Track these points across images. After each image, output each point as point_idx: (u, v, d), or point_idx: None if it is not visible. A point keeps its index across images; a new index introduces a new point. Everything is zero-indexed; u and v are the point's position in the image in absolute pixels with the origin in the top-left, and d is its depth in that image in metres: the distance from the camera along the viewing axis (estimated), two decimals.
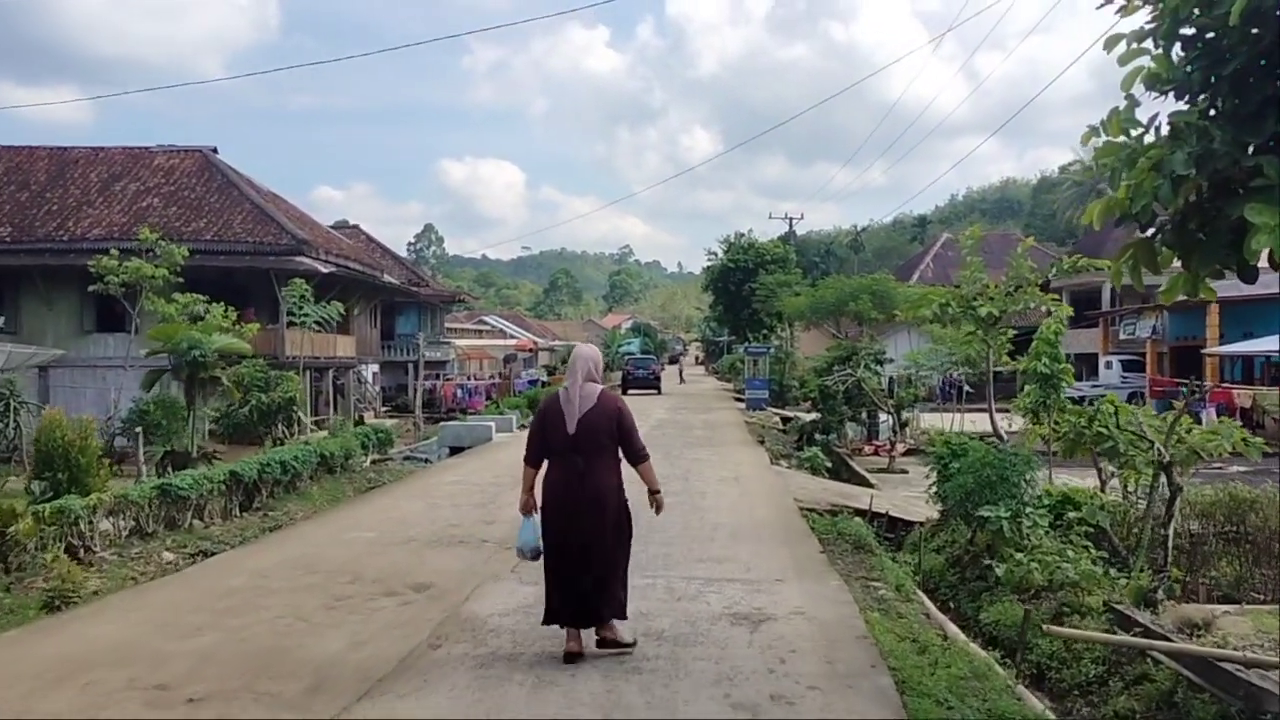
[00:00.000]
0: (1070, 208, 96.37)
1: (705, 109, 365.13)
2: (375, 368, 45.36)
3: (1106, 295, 45.16)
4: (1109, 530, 10.12)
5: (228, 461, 15.68)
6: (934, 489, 13.10)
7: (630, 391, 48.57)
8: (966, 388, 33.55)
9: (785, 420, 31.54)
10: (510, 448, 20.96)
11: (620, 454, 6.34)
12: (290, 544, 10.53)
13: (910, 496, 18.14)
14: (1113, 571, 9.01)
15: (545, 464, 6.32)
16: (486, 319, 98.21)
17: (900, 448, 22.80)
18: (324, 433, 20.48)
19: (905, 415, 23.44)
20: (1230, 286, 29.96)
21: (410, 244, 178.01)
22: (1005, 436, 11.81)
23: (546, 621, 6.31)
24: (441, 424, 24.19)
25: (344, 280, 33.38)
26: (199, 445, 17.34)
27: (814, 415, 25.21)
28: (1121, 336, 40.31)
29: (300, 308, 20.69)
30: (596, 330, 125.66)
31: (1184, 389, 28.74)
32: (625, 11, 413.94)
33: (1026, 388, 12.57)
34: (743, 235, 52.12)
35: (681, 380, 59.15)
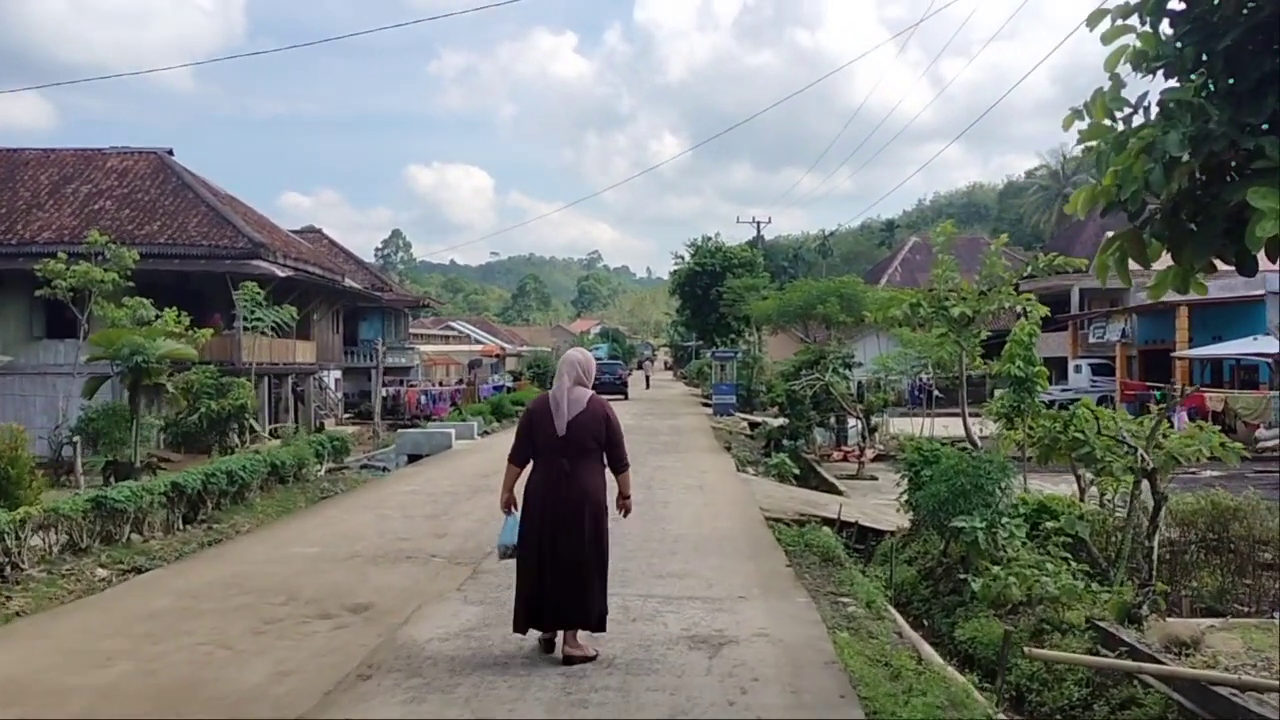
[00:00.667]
0: (1037, 212, 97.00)
1: (673, 115, 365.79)
2: (338, 374, 44.57)
3: (1075, 298, 45.09)
4: (1088, 541, 9.69)
5: (177, 471, 15.02)
6: (905, 497, 12.67)
7: None
8: (936, 392, 33.30)
9: (753, 426, 31.10)
10: (471, 455, 20.39)
11: (604, 459, 6.35)
12: (226, 560, 9.91)
13: (880, 504, 17.71)
14: (1094, 585, 8.57)
15: (530, 465, 6.37)
16: (454, 325, 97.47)
17: (869, 453, 22.40)
18: (277, 441, 19.78)
19: (874, 420, 23.03)
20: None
21: (378, 249, 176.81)
22: (979, 442, 11.34)
23: (517, 628, 6.30)
24: (399, 431, 23.53)
25: (303, 285, 32.69)
26: (145, 455, 16.62)
27: (782, 421, 24.77)
28: (1091, 340, 40.22)
29: (253, 312, 19.99)
30: (565, 336, 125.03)
31: (1156, 393, 28.60)
32: (592, 18, 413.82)
33: (999, 392, 12.15)
34: (710, 239, 51.73)
35: (648, 386, 58.53)
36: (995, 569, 8.69)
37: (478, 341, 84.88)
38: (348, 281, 39.97)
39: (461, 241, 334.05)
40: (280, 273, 29.19)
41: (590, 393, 6.33)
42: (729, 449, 22.17)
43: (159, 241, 29.33)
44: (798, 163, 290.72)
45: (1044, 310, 10.51)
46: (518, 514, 6.39)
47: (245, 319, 20.10)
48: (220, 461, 15.49)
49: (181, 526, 13.48)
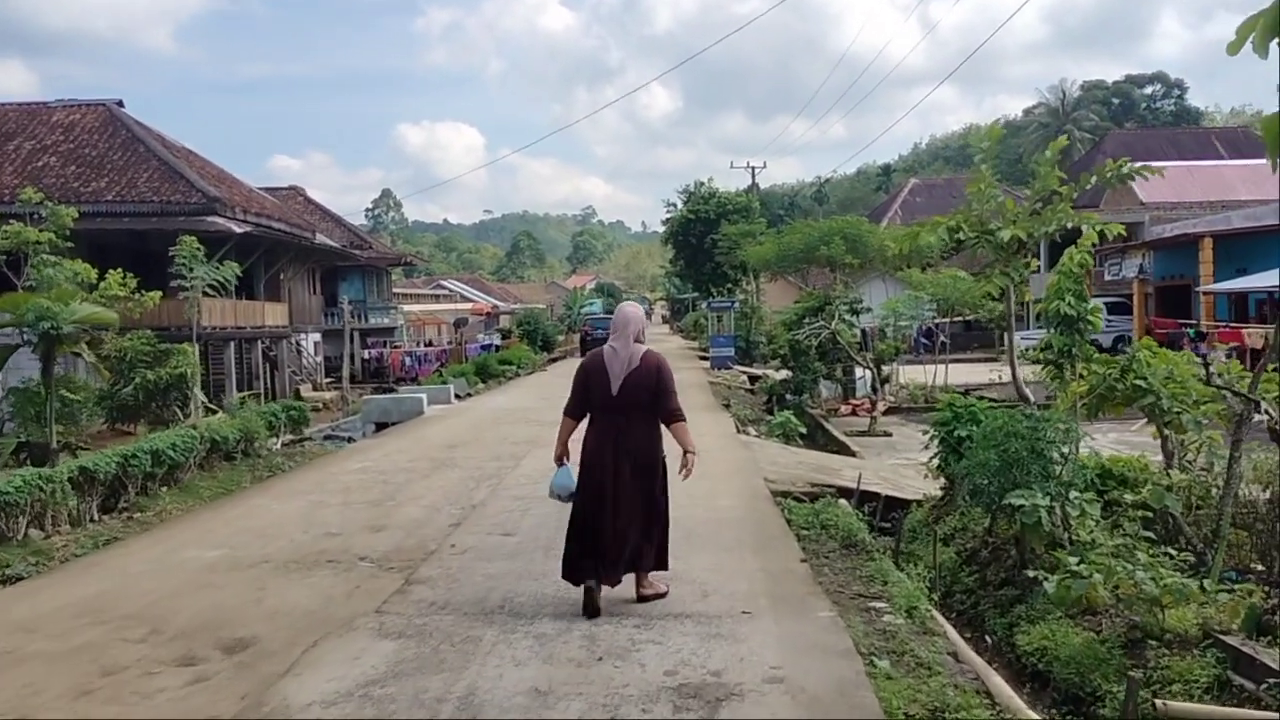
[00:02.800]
0: (1037, 150, 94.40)
1: (663, 66, 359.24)
2: (317, 337, 42.55)
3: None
4: (1179, 519, 7.75)
5: (111, 450, 13.14)
6: (935, 462, 10.74)
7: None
8: (942, 338, 31.33)
9: (753, 380, 29.15)
10: (443, 422, 18.47)
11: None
12: (96, 572, 7.96)
13: (899, 465, 15.80)
14: (1197, 580, 6.63)
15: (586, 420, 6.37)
16: (445, 283, 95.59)
17: (881, 406, 20.44)
18: (221, 414, 17.80)
19: (885, 370, 21.05)
20: (1222, 221, 27.57)
21: (368, 210, 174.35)
22: (1032, 398, 9.36)
23: (566, 576, 6.30)
24: (365, 398, 21.58)
25: (267, 241, 30.59)
26: (61, 434, 14.66)
27: (784, 373, 22.80)
28: (1106, 278, 38.12)
29: (190, 270, 17.92)
30: (560, 292, 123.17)
31: (1190, 331, 26.61)
32: None
33: (1039, 334, 10.14)
34: (703, 184, 49.34)
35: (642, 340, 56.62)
36: (1070, 560, 6.75)
37: (468, 300, 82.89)
38: (320, 238, 37.79)
39: (454, 201, 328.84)
40: (237, 229, 27.08)
41: (644, 348, 6.33)
42: (727, 406, 20.22)
43: (106, 199, 27.25)
44: (790, 111, 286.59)
45: (1119, 229, 8.50)
46: (569, 464, 6.43)
47: (182, 277, 18.01)
48: (146, 440, 13.56)
49: (96, 517, 11.61)
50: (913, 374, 26.03)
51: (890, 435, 19.09)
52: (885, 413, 21.00)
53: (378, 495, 10.82)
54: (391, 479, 11.96)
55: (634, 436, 6.18)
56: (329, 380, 42.32)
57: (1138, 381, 9.36)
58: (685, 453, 6.27)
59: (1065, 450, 8.06)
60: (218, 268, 18.42)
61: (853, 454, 15.70)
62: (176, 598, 6.92)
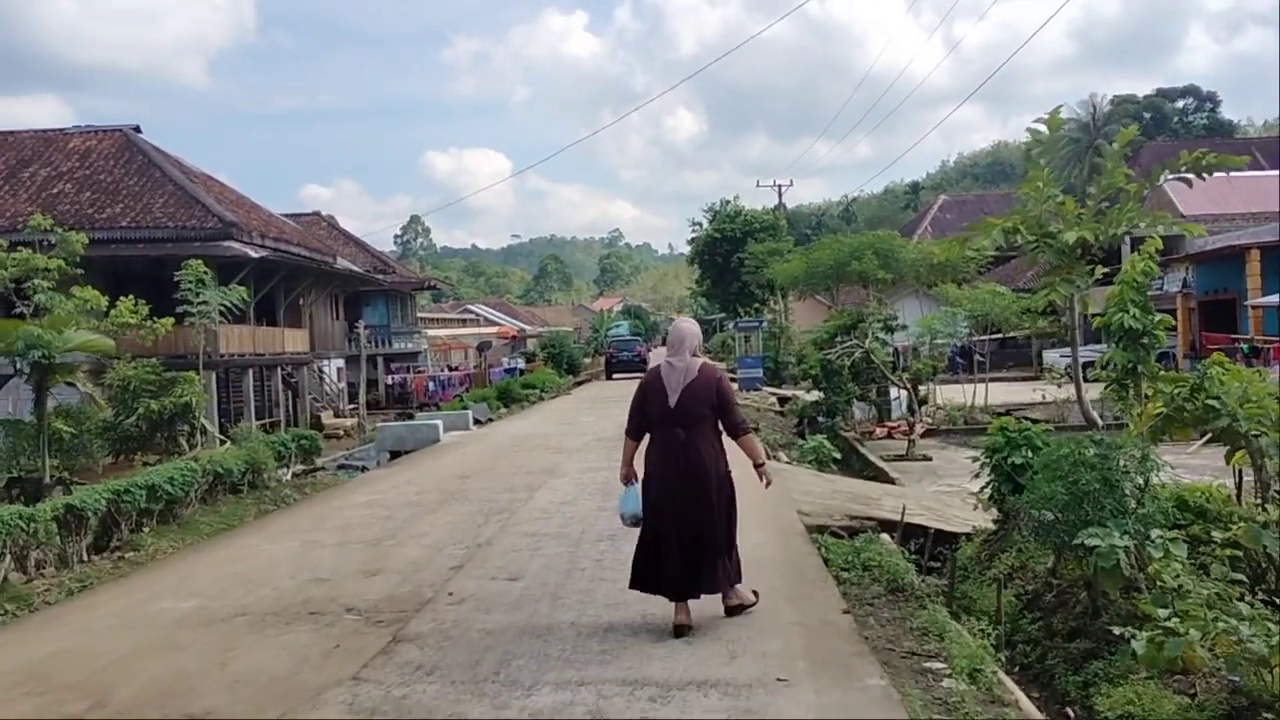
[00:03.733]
0: (1068, 166, 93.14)
1: (687, 89, 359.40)
2: (340, 362, 41.96)
3: (1125, 250, 41.71)
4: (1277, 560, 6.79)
5: (104, 485, 12.43)
6: (987, 493, 9.80)
7: (615, 376, 45.28)
8: (978, 356, 30.29)
9: (783, 401, 28.18)
10: (458, 450, 17.66)
11: (720, 426, 6.29)
12: (55, 628, 7.16)
13: (942, 492, 14.82)
14: None
15: (647, 437, 6.35)
16: (471, 308, 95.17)
17: (919, 429, 19.44)
18: (229, 444, 17.06)
19: (922, 391, 20.05)
20: (1268, 232, 26.25)
21: (397, 236, 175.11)
22: (1100, 421, 8.43)
23: (633, 585, 6.32)
24: (379, 425, 20.82)
25: (286, 266, 30.02)
26: (55, 469, 13.98)
27: (816, 395, 21.85)
28: (1146, 292, 36.84)
29: (197, 294, 17.25)
30: (587, 314, 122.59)
31: (1244, 346, 25.45)
32: None
33: (1103, 350, 9.25)
34: (729, 202, 48.45)
35: None
36: (1159, 612, 5.80)
37: (495, 324, 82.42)
38: (341, 262, 37.24)
39: (482, 227, 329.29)
40: (254, 253, 26.50)
41: (701, 361, 6.36)
42: (756, 430, 19.23)
43: (121, 225, 26.75)
44: (814, 131, 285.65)
45: (1200, 230, 7.55)
46: (637, 484, 6.38)
47: (189, 302, 17.34)
48: (142, 474, 12.82)
49: (86, 558, 10.85)
50: (950, 394, 25.02)
51: (930, 459, 18.10)
52: (923, 435, 20.01)
53: (378, 533, 9.99)
54: (396, 514, 11.13)
55: (696, 448, 6.12)
56: (352, 406, 41.72)
57: (1210, 402, 8.40)
58: (756, 465, 6.37)
59: (1142, 480, 7.12)
60: (226, 292, 17.71)
61: (891, 481, 14.74)
62: (133, 661, 6.10)
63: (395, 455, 18.85)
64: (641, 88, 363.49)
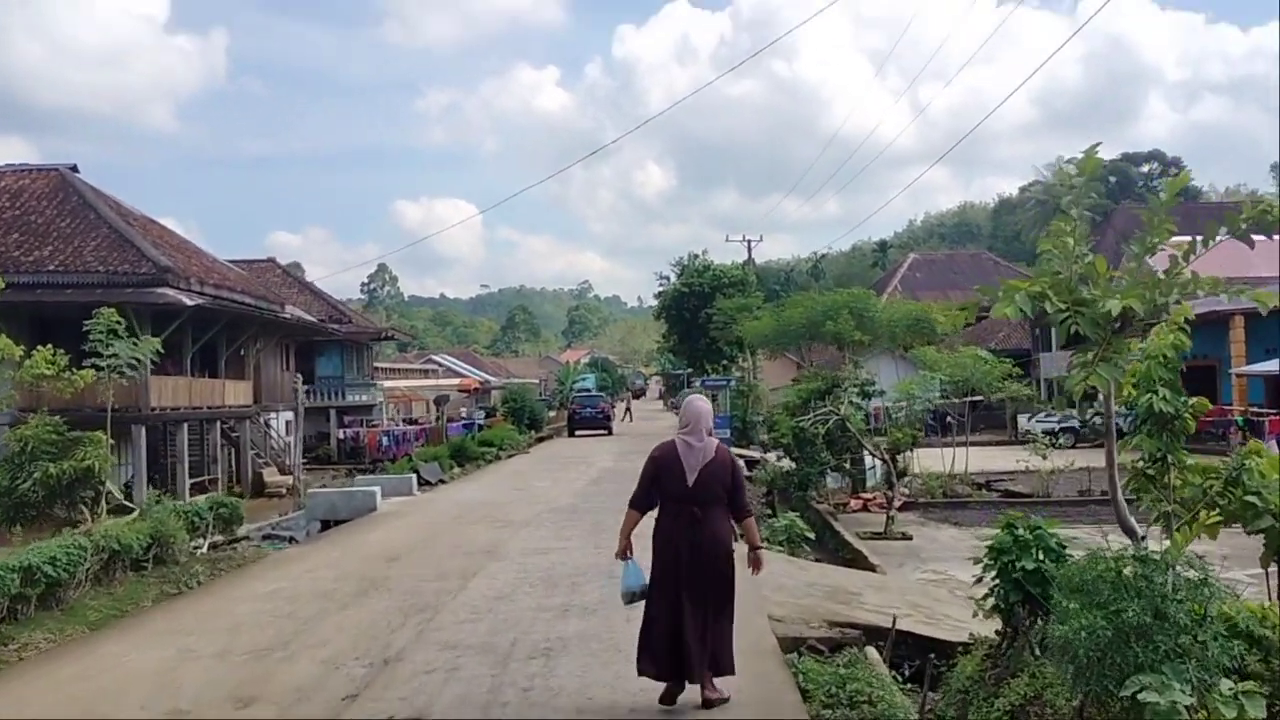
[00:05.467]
0: (1035, 228, 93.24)
1: (657, 145, 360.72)
2: (289, 415, 40.10)
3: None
4: None
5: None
6: (990, 599, 8.34)
7: (577, 433, 43.69)
8: (951, 419, 29.04)
9: (751, 464, 26.71)
10: (395, 522, 16.05)
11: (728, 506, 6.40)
12: None
13: (926, 581, 13.38)
14: None
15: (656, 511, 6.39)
16: (435, 358, 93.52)
17: (897, 502, 18.01)
18: (132, 514, 15.31)
19: (901, 462, 18.66)
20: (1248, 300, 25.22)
21: (364, 284, 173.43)
22: (1141, 533, 7.01)
23: (642, 671, 6.27)
24: (310, 491, 19.16)
25: (227, 315, 28.37)
26: None
27: (786, 463, 20.41)
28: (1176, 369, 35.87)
29: (108, 345, 15.62)
30: (553, 366, 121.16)
31: (1238, 419, 24.36)
32: (573, 52, 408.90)
33: (1137, 436, 7.88)
34: (697, 256, 47.27)
35: (629, 418, 53.53)
36: None
37: (459, 375, 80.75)
38: (290, 311, 35.64)
39: (451, 276, 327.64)
40: (189, 300, 24.88)
41: (716, 441, 6.45)
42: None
43: (48, 269, 25.08)
44: (784, 189, 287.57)
45: (1272, 301, 6.22)
46: (634, 559, 6.41)
47: (98, 354, 15.71)
48: (19, 553, 11.15)
49: None
50: (926, 459, 23.63)
51: (910, 538, 16.67)
52: (900, 508, 18.58)
53: (271, 638, 8.38)
54: (300, 609, 9.52)
55: (709, 527, 6.21)
56: (302, 462, 39.87)
57: (1249, 499, 7.09)
58: (753, 549, 6.50)
59: (1200, 610, 5.70)
60: (138, 343, 16.07)
61: (872, 567, 13.26)
62: None
63: (327, 525, 17.19)
64: (611, 142, 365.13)
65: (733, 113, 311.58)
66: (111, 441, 16.46)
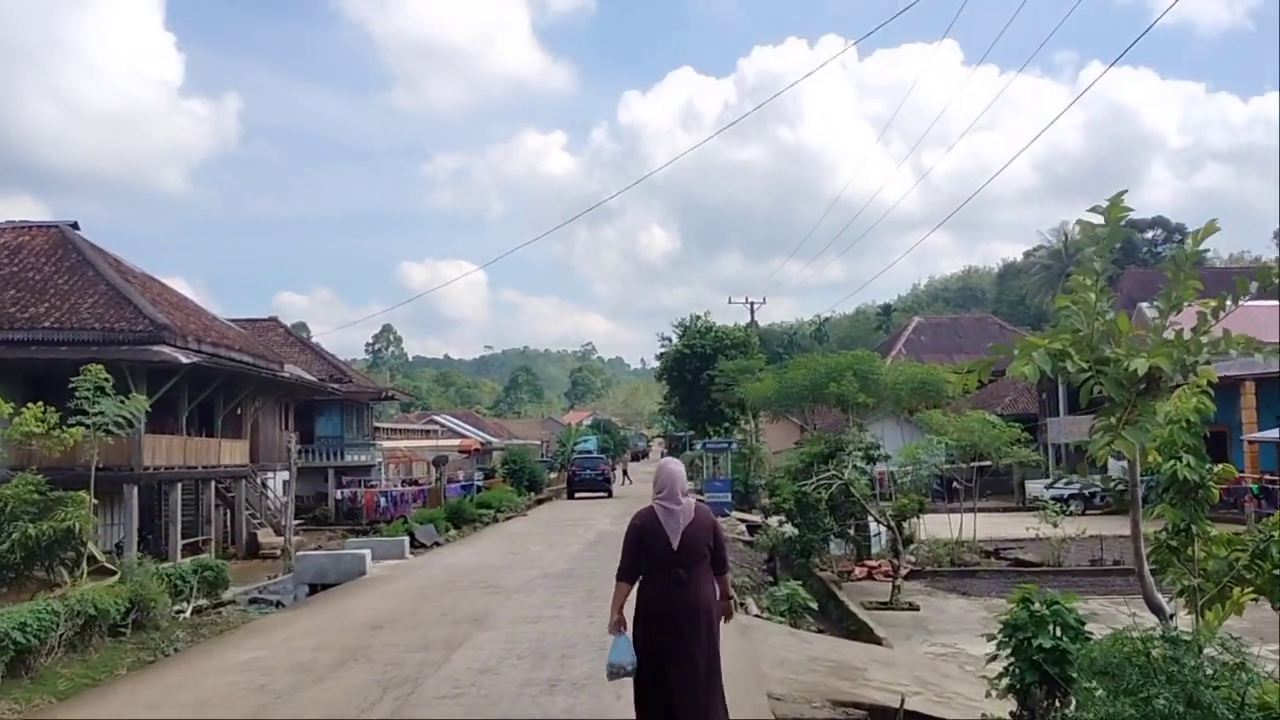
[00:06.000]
0: (1040, 292, 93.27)
1: (661, 208, 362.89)
2: (286, 475, 39.59)
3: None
4: None
5: None
6: (1004, 679, 7.85)
7: (577, 495, 43.09)
8: (958, 485, 28.50)
9: (752, 530, 26.19)
10: (384, 587, 15.54)
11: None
12: None
13: (935, 656, 12.84)
14: None
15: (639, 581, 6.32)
16: (437, 418, 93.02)
17: (903, 571, 17.47)
18: (114, 578, 14.81)
19: (907, 529, 18.13)
20: (1262, 363, 24.78)
21: (369, 345, 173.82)
22: (1170, 611, 6.58)
23: None
24: (299, 554, 18.64)
25: (224, 373, 28.04)
26: None
27: (789, 529, 19.89)
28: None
29: (94, 402, 15.27)
30: (555, 428, 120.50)
31: (1253, 486, 23.83)
32: (579, 118, 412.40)
33: (1159, 505, 7.47)
34: (699, 318, 46.97)
35: (627, 480, 52.82)
36: None
37: (460, 436, 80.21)
38: (289, 369, 35.33)
39: (456, 337, 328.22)
40: (185, 359, 24.56)
41: (694, 501, 6.46)
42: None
43: (43, 325, 24.86)
44: (787, 253, 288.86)
45: None
46: (628, 634, 6.25)
47: (85, 411, 15.35)
48: None
49: None
50: (931, 526, 23.07)
51: (917, 609, 16.12)
52: (907, 576, 18.04)
53: (242, 713, 7.88)
54: (274, 683, 9.01)
55: (695, 590, 6.21)
56: (299, 522, 39.27)
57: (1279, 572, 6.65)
58: (725, 597, 6.51)
59: (1239, 697, 5.23)
60: (124, 401, 15.71)
61: (878, 641, 12.72)
62: None
63: (315, 589, 16.66)
64: (617, 205, 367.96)
65: (737, 177, 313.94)
66: (95, 502, 16.06)
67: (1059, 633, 7.41)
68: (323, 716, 7.72)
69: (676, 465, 6.65)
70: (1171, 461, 7.44)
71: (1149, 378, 5.54)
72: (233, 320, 39.57)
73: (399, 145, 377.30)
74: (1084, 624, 7.44)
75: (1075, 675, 6.81)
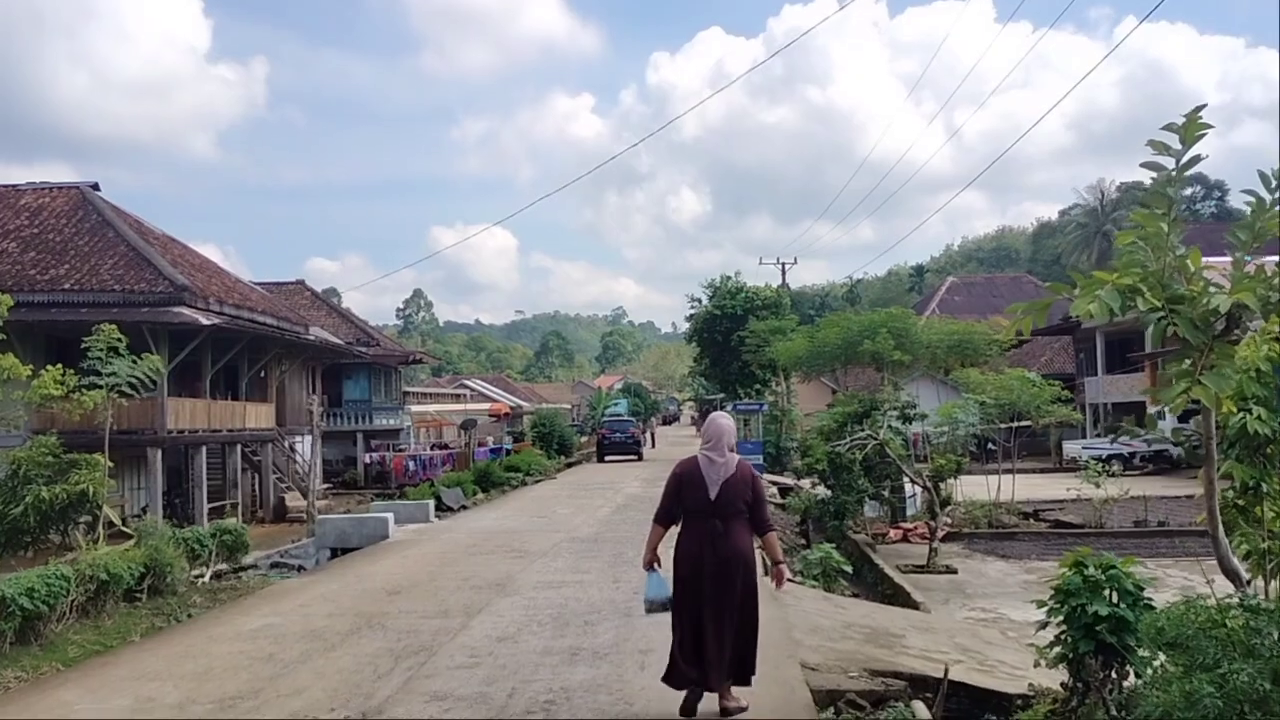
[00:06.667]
0: (1076, 251, 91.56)
1: (692, 171, 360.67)
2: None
3: (1149, 333, 39.35)
4: None
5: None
6: (1055, 648, 7.31)
7: (607, 458, 42.69)
8: (991, 445, 27.83)
9: (784, 492, 25.65)
10: (406, 552, 15.17)
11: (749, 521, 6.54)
12: None
13: (975, 620, 12.31)
14: None
15: (679, 526, 6.55)
16: (468, 383, 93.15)
17: (940, 533, 16.91)
18: (130, 541, 14.53)
19: (944, 489, 17.54)
20: None
21: (399, 310, 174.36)
22: (1245, 575, 6.01)
23: (668, 680, 6.38)
24: (320, 518, 18.31)
25: (246, 335, 27.74)
26: None
27: (821, 490, 19.36)
28: None
29: (107, 362, 14.91)
30: (586, 391, 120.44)
31: None
32: (607, 80, 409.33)
33: (1226, 463, 6.89)
34: (730, 278, 46.18)
35: (653, 444, 52.20)
36: None
37: (490, 400, 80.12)
38: (315, 332, 35.04)
39: (486, 303, 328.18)
40: (206, 320, 24.25)
41: (738, 457, 6.59)
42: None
43: (63, 288, 24.57)
44: (817, 215, 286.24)
45: None
46: (660, 570, 6.56)
47: (98, 372, 15.00)
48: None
49: None
50: (968, 487, 22.45)
51: (955, 572, 15.58)
52: (943, 538, 17.48)
53: (241, 686, 7.48)
54: (283, 651, 8.62)
55: (731, 539, 6.33)
56: (327, 486, 39.18)
57: None
58: (776, 563, 6.72)
59: None
60: (137, 362, 15.35)
61: (915, 605, 12.20)
62: None
63: (337, 553, 16.33)
64: (646, 169, 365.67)
65: (767, 139, 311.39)
66: (112, 465, 15.77)
67: (1116, 599, 6.85)
68: (329, 690, 7.30)
69: (726, 419, 6.84)
70: (1240, 414, 6.84)
71: (1229, 317, 4.95)
72: (259, 284, 39.38)
73: (427, 110, 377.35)
74: (1143, 589, 6.87)
75: (1135, 644, 6.27)
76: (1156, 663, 5.51)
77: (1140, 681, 5.83)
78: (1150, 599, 6.81)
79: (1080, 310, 4.81)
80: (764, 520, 6.60)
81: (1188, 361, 5.00)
